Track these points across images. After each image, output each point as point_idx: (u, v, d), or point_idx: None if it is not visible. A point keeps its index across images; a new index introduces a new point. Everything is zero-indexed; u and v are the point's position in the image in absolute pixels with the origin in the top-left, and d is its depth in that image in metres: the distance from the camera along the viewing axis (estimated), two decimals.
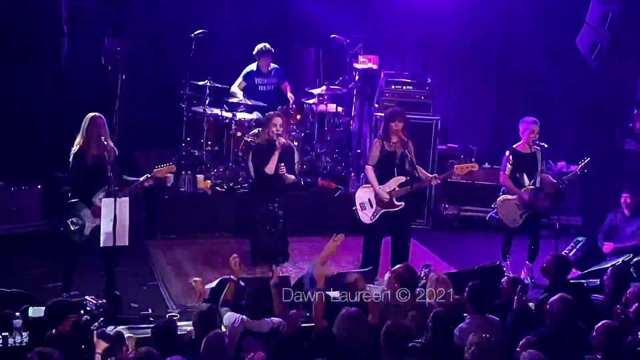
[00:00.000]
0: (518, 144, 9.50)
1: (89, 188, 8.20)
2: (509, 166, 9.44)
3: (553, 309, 6.63)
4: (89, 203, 8.21)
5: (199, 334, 6.38)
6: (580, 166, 9.42)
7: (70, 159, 8.24)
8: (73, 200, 8.24)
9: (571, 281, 7.88)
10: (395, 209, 9.13)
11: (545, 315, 6.73)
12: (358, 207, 9.23)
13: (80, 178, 8.22)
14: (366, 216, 9.22)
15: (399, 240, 9.29)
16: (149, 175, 8.24)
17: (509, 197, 9.49)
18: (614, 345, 6.11)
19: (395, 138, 9.07)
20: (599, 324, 6.24)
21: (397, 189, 9.10)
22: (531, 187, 9.38)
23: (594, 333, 6.20)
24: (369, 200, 9.20)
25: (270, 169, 8.81)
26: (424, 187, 9.62)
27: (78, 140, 8.21)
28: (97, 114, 8.29)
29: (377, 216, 9.17)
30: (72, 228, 8.21)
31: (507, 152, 9.51)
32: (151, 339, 6.46)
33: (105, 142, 8.10)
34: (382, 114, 11.28)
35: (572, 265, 7.81)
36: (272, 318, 6.83)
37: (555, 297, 6.71)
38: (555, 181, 9.47)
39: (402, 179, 9.11)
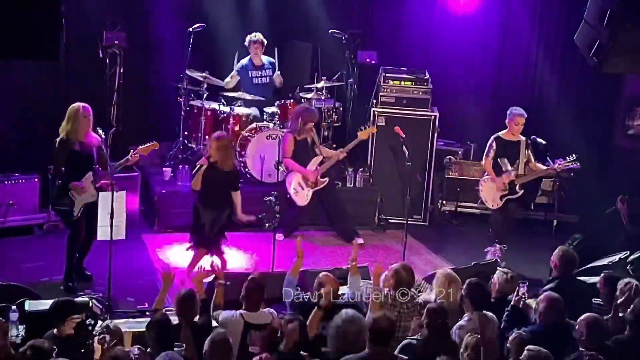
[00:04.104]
0: (504, 131, 9.93)
1: (76, 172, 8.53)
2: (492, 152, 9.92)
3: (539, 307, 6.71)
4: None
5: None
6: (564, 163, 9.71)
7: (57, 144, 8.57)
8: (60, 184, 8.59)
9: (577, 278, 7.94)
10: (322, 186, 10.26)
11: (536, 312, 6.77)
12: (292, 193, 10.21)
13: (68, 162, 8.54)
14: (301, 199, 10.28)
15: (334, 209, 10.52)
16: (133, 153, 8.63)
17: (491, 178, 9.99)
18: (595, 338, 6.19)
19: (304, 131, 10.22)
20: (582, 317, 6.31)
21: (318, 167, 10.22)
22: (512, 170, 9.77)
23: (577, 327, 6.28)
24: (299, 184, 10.25)
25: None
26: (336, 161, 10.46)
27: (67, 127, 8.53)
28: (84, 104, 8.62)
29: (310, 196, 10.27)
30: (62, 209, 8.58)
31: (492, 139, 9.96)
32: (147, 334, 6.44)
33: (90, 131, 8.59)
34: (380, 109, 11.36)
35: (577, 261, 7.86)
36: (268, 309, 6.88)
37: (542, 296, 6.81)
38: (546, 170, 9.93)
39: (320, 158, 10.31)
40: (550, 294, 6.79)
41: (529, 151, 9.94)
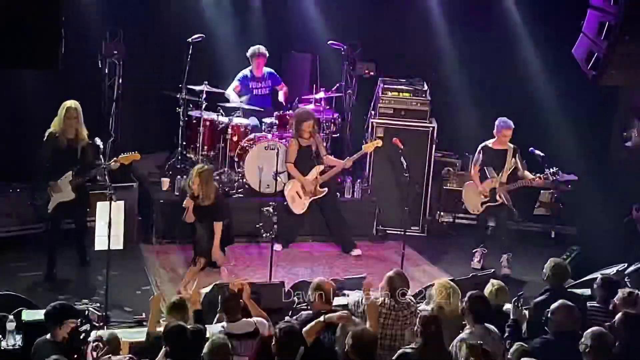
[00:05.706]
0: (492, 140, 10.21)
1: (59, 168, 8.78)
2: (479, 161, 10.22)
3: (555, 316, 6.61)
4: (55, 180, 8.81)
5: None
6: (543, 177, 9.93)
7: (45, 138, 8.86)
8: (39, 177, 8.89)
9: (568, 289, 7.91)
10: (321, 195, 10.28)
11: (546, 322, 6.71)
12: (289, 200, 10.24)
13: (52, 157, 8.82)
14: (298, 207, 10.30)
15: (333, 219, 10.50)
16: (114, 160, 8.78)
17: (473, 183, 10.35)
18: (603, 351, 6.15)
19: (307, 135, 10.24)
20: (588, 330, 6.27)
21: (318, 177, 10.24)
22: (494, 179, 10.03)
23: (583, 339, 6.23)
24: (297, 192, 10.29)
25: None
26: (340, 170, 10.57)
27: (55, 123, 8.86)
28: (71, 104, 8.90)
29: (307, 205, 10.28)
30: (37, 203, 8.87)
31: (479, 147, 10.26)
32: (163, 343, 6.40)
33: (79, 130, 8.81)
34: (378, 120, 11.37)
35: (568, 272, 7.83)
36: (252, 318, 6.87)
37: (556, 304, 6.68)
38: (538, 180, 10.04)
39: (321, 167, 10.33)
40: (564, 302, 6.69)
41: (517, 159, 10.10)
